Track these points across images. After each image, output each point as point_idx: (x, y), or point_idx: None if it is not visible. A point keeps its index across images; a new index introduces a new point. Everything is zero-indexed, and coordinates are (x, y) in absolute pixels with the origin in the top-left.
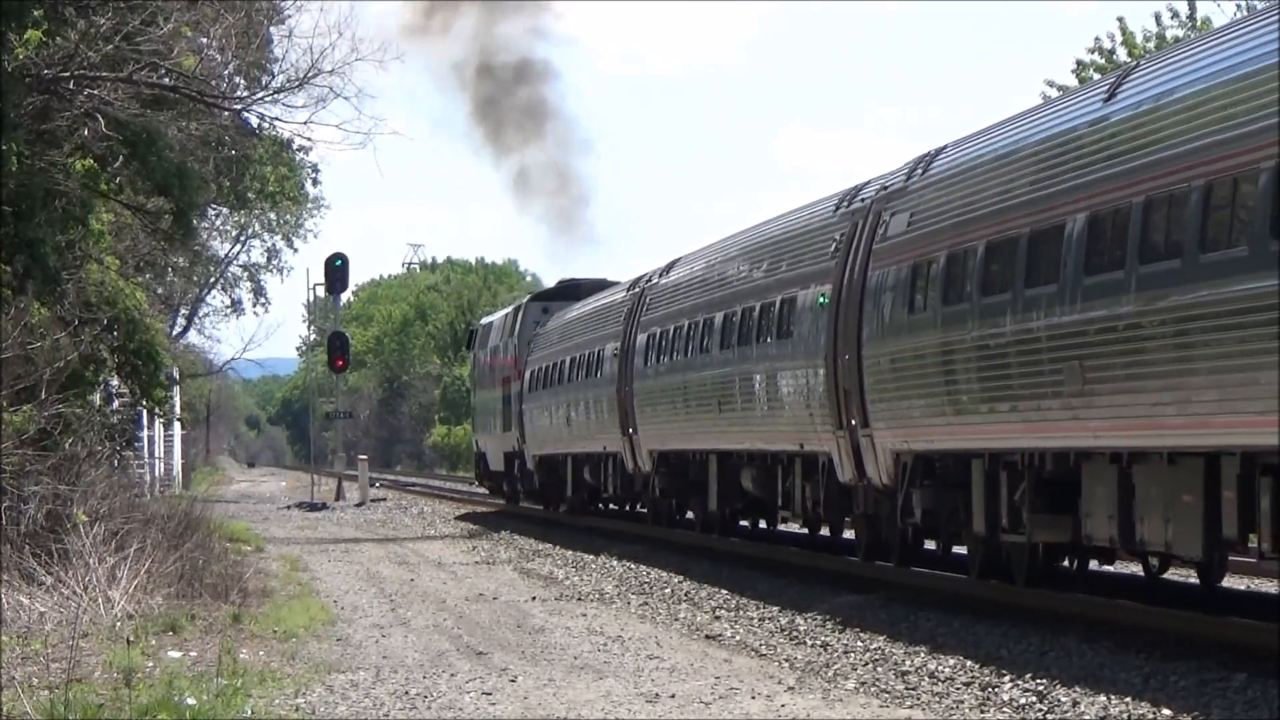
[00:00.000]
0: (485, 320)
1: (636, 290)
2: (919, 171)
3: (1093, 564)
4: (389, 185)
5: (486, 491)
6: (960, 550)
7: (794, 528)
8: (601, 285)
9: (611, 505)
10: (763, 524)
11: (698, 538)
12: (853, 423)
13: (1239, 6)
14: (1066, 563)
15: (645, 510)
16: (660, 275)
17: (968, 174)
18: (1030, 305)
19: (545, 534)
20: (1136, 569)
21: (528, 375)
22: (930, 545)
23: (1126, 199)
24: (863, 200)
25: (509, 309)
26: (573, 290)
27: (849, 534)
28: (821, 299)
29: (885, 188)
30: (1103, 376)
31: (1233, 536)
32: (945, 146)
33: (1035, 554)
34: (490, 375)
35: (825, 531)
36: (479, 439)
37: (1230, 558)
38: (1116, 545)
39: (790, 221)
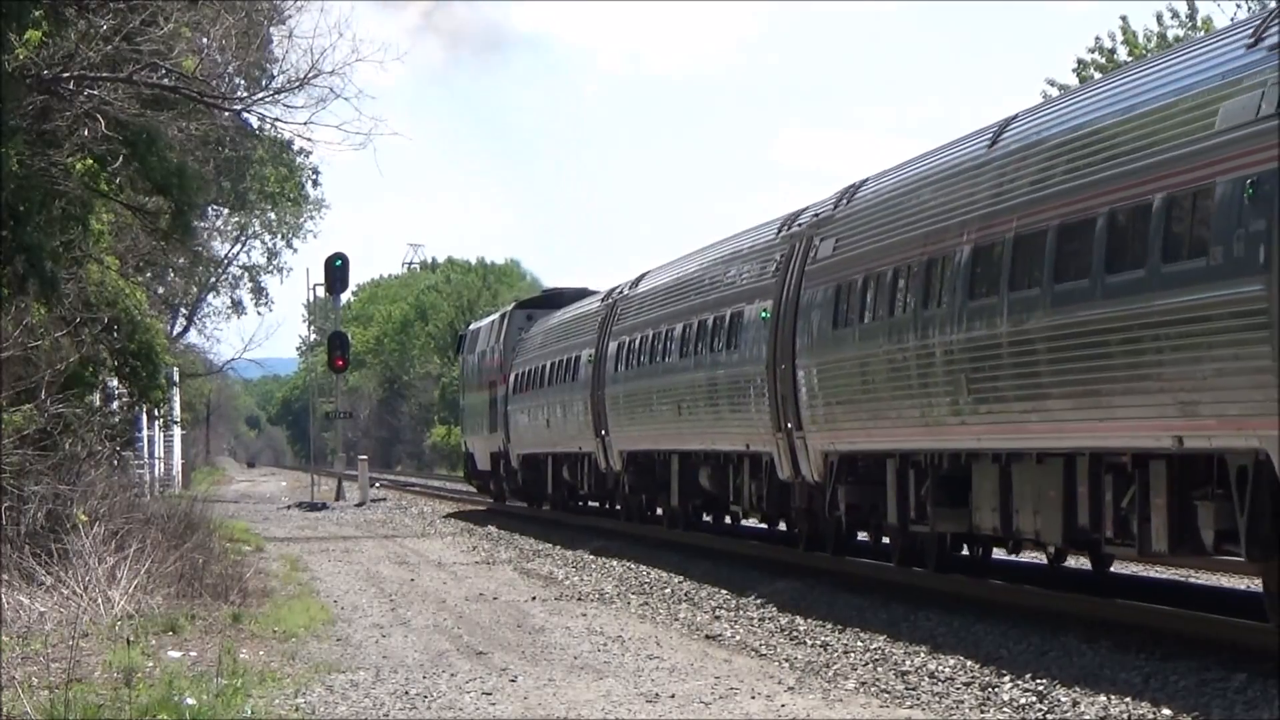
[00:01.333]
0: (473, 326)
1: (609, 301)
2: (844, 201)
3: (1036, 554)
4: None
5: (475, 490)
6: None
7: (753, 522)
8: (582, 294)
9: (592, 502)
10: (731, 519)
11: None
12: (789, 426)
13: (1239, 6)
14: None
15: (618, 507)
16: (630, 287)
17: (880, 206)
18: (927, 324)
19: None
20: (1041, 558)
21: (512, 379)
22: (864, 536)
23: (1001, 234)
24: (799, 225)
25: (495, 316)
26: (555, 299)
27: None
28: (763, 314)
29: (817, 215)
30: (983, 388)
31: (1085, 525)
32: (867, 179)
33: (943, 542)
34: (478, 378)
35: (783, 526)
36: (468, 440)
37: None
38: (999, 534)
39: (740, 242)
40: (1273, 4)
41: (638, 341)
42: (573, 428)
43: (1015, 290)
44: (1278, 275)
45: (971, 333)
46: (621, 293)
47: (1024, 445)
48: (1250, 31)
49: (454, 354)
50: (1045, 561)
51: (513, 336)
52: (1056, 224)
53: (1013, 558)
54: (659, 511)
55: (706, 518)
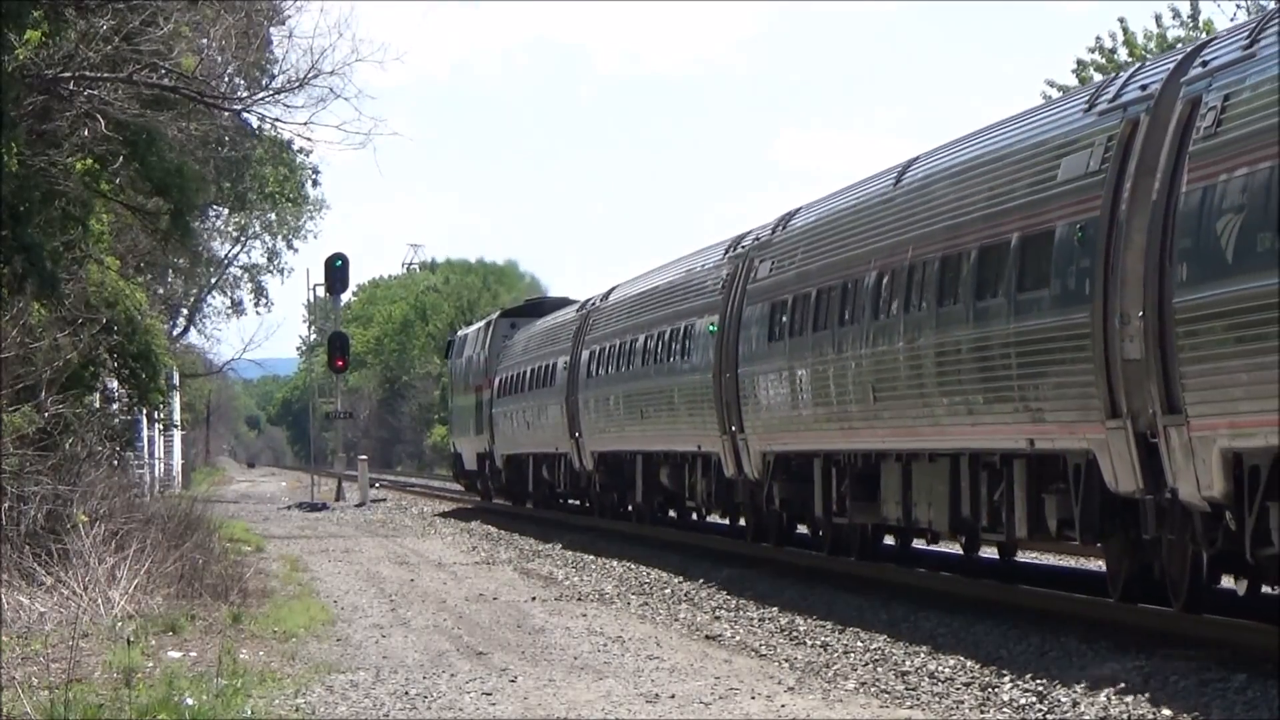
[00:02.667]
0: (461, 333)
1: (584, 311)
2: (780, 228)
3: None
4: (389, 185)
5: (463, 488)
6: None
7: (715, 518)
8: (563, 303)
9: (573, 500)
10: (696, 514)
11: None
12: (733, 428)
13: (1239, 6)
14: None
15: (591, 504)
16: (602, 299)
17: (808, 234)
18: (842, 340)
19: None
20: (995, 552)
21: (497, 383)
22: (805, 529)
23: (900, 262)
24: (743, 248)
25: (481, 324)
26: (538, 307)
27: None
28: (711, 327)
29: (757, 239)
30: (886, 396)
31: (967, 515)
32: (800, 208)
33: (864, 533)
34: (465, 382)
35: (743, 521)
36: (455, 441)
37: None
38: (902, 524)
39: (694, 261)
40: (1272, 4)
41: (607, 350)
42: (550, 430)
43: (909, 312)
44: (1100, 305)
45: (876, 348)
46: (594, 304)
47: (919, 446)
48: (1087, 98)
49: (444, 358)
50: (961, 552)
51: (497, 343)
52: (940, 255)
53: (932, 548)
54: (629, 508)
55: (672, 513)
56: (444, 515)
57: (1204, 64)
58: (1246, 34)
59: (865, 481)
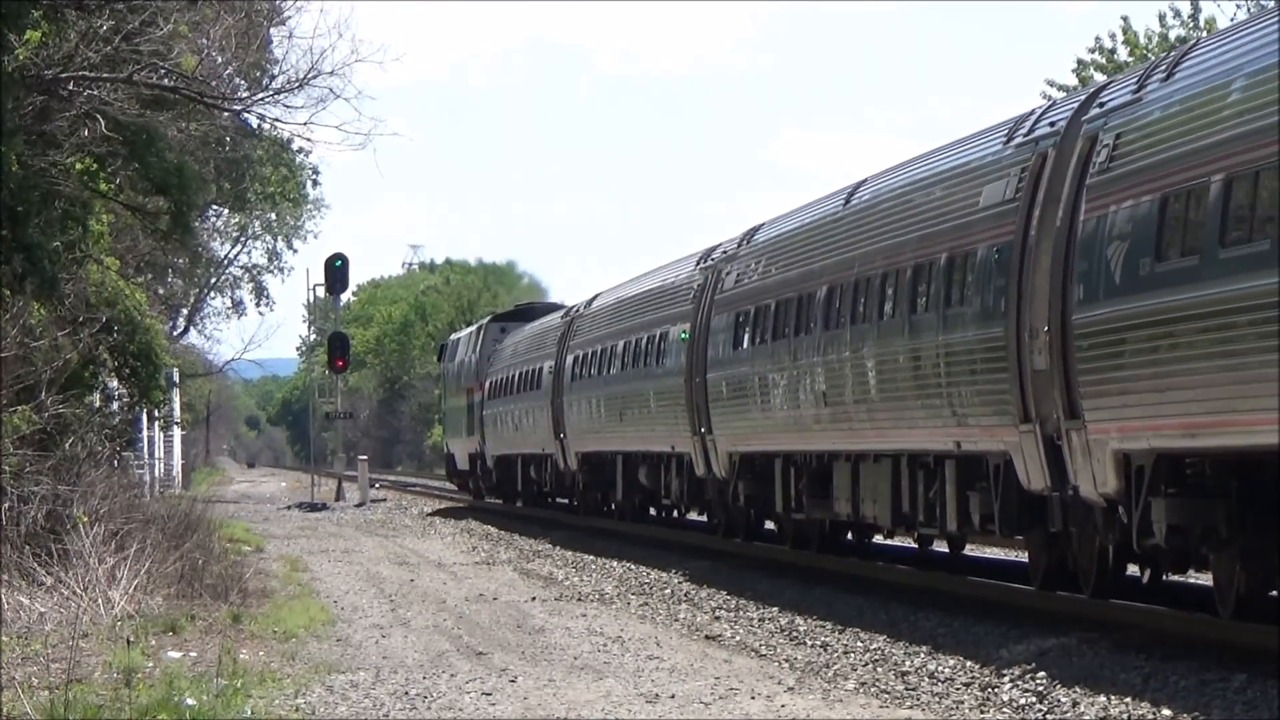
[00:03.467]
0: (454, 336)
1: (568, 318)
2: (745, 242)
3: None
4: (389, 185)
5: (456, 487)
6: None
7: (695, 515)
8: (552, 308)
9: (560, 499)
10: (677, 511)
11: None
12: (702, 430)
13: (1238, 6)
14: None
15: (576, 502)
16: (585, 306)
17: (768, 249)
18: (798, 349)
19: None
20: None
21: (488, 386)
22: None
23: (848, 277)
24: (712, 260)
25: (473, 328)
26: (527, 312)
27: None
28: (683, 334)
29: (725, 252)
30: (835, 401)
31: (908, 511)
32: (763, 224)
33: (822, 528)
34: (458, 385)
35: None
36: (448, 441)
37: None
38: (852, 519)
39: (670, 270)
40: (1272, 4)
41: (589, 355)
42: (537, 431)
43: (855, 324)
44: (1014, 321)
45: (827, 356)
46: (578, 310)
47: (865, 447)
48: (1006, 131)
49: (437, 361)
50: (915, 545)
51: (488, 347)
52: (882, 272)
53: (891, 542)
54: (612, 506)
55: (652, 511)
56: (444, 515)
57: (1101, 105)
58: (1136, 80)
59: (820, 480)
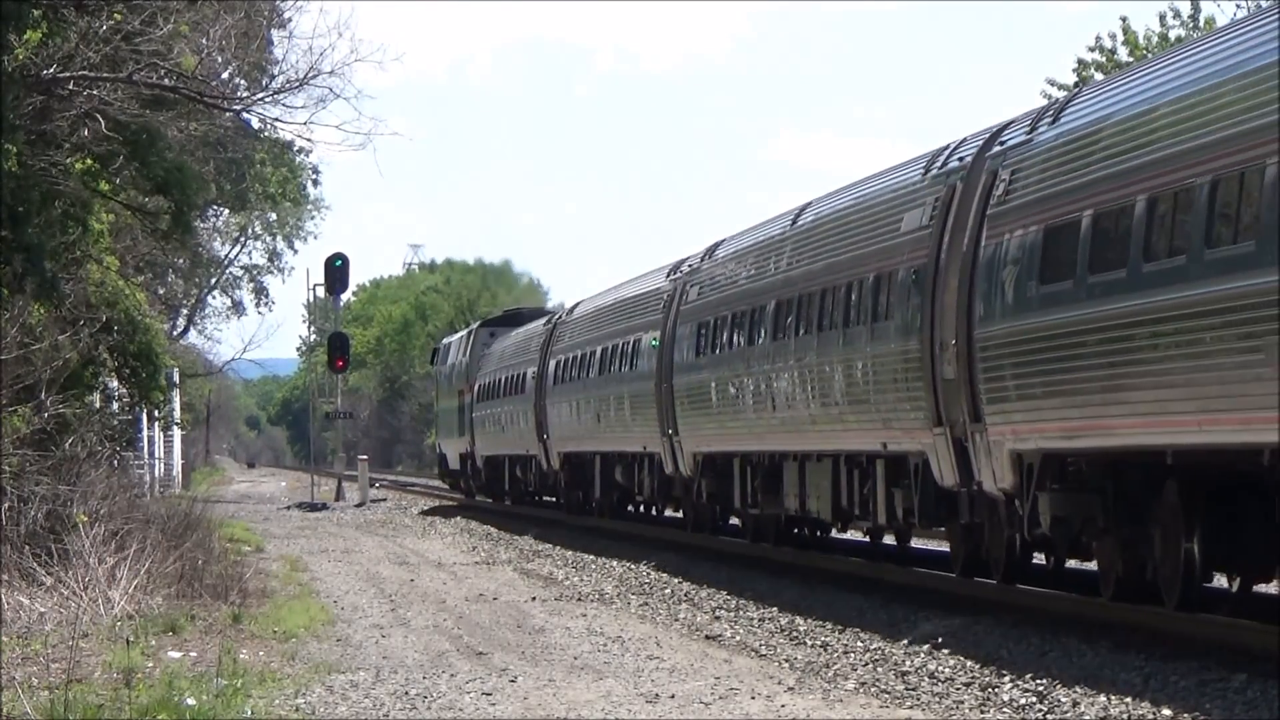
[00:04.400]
0: (446, 340)
1: (551, 324)
2: (708, 257)
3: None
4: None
5: (447, 486)
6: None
7: (670, 512)
8: (539, 313)
9: (547, 497)
10: (655, 509)
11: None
12: (670, 431)
13: (1239, 6)
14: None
15: (561, 500)
16: (567, 314)
17: (726, 265)
18: (750, 358)
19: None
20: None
21: (477, 388)
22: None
23: (792, 293)
24: (680, 272)
25: (464, 332)
26: (515, 317)
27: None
28: (653, 342)
29: (691, 266)
30: (783, 406)
31: (846, 506)
32: (724, 240)
33: (778, 522)
34: (449, 387)
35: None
36: (440, 442)
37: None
38: (800, 514)
39: (643, 281)
40: (1272, 3)
41: (570, 360)
42: (523, 433)
43: (798, 336)
44: (928, 335)
45: (775, 365)
46: (560, 318)
47: (810, 448)
48: (925, 163)
49: (430, 364)
50: (867, 539)
51: (477, 351)
52: (820, 289)
53: (845, 536)
54: (592, 503)
55: (630, 508)
56: (444, 515)
57: (1002, 143)
58: (1030, 122)
59: (772, 478)
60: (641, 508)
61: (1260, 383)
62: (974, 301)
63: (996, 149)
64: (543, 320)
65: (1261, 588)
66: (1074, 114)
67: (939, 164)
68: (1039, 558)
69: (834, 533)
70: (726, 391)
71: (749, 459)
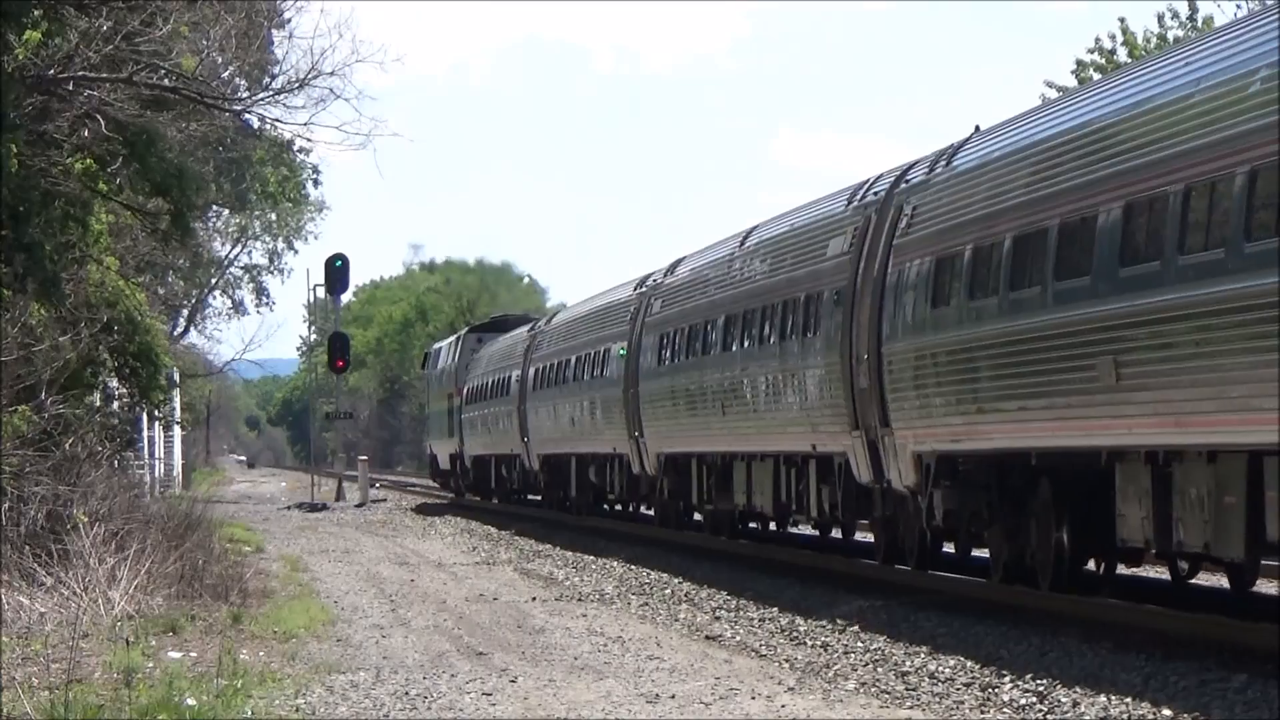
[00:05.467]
0: (436, 345)
1: (533, 332)
2: (670, 272)
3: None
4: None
5: (438, 486)
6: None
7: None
8: (525, 319)
9: (532, 495)
10: (630, 507)
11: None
12: (636, 434)
13: (1239, 6)
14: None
15: (541, 498)
16: (547, 322)
17: (685, 282)
18: (703, 366)
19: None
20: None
21: (465, 392)
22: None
23: (739, 309)
24: (646, 286)
25: (453, 339)
26: (502, 324)
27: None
28: (621, 351)
29: (655, 281)
30: (730, 411)
31: (785, 501)
32: (685, 257)
33: (732, 517)
34: (439, 390)
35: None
36: (431, 443)
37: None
38: (746, 509)
39: (612, 293)
40: (1272, 2)
41: (549, 366)
42: (507, 434)
43: (743, 347)
44: (848, 350)
45: (722, 373)
46: (540, 326)
47: (753, 449)
48: (848, 195)
49: (421, 368)
50: (815, 532)
51: (466, 356)
52: (761, 306)
53: (794, 530)
54: (569, 501)
55: (606, 506)
56: (444, 516)
57: (907, 181)
58: (928, 165)
59: (723, 476)
60: (611, 505)
61: (1098, 394)
62: (882, 321)
63: (903, 186)
64: (526, 327)
65: (1262, 587)
66: (962, 158)
67: (859, 197)
68: (949, 547)
69: (789, 527)
70: (684, 397)
71: (704, 459)
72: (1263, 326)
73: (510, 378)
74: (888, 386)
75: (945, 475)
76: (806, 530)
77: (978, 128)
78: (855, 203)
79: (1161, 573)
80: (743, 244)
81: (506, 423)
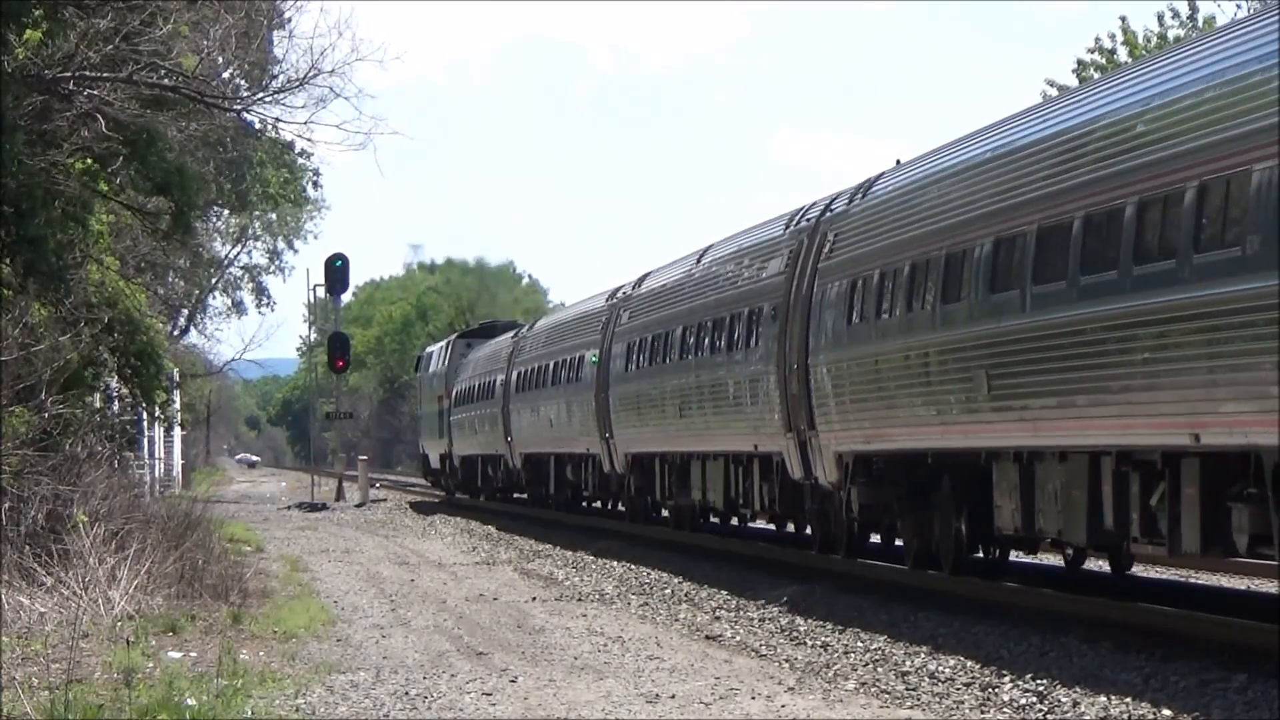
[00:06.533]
0: (428, 350)
1: (516, 338)
2: (638, 285)
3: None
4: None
5: (429, 484)
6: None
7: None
8: (511, 326)
9: (517, 494)
10: (605, 504)
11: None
12: (607, 435)
13: (1239, 6)
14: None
15: (524, 495)
16: (528, 330)
17: (649, 296)
18: (663, 374)
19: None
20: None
21: (454, 394)
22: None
23: (693, 321)
24: (615, 299)
25: (443, 343)
26: (489, 330)
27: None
28: (593, 358)
29: (625, 294)
30: (686, 414)
31: (735, 498)
32: (651, 272)
33: (693, 511)
34: (430, 393)
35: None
36: (423, 443)
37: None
38: (702, 504)
39: (586, 303)
40: (1273, 1)
41: (529, 371)
42: (492, 435)
43: (696, 355)
44: (781, 360)
45: (680, 380)
46: (522, 334)
47: (707, 449)
48: (788, 219)
49: (414, 371)
50: (773, 527)
51: (455, 360)
52: (711, 319)
53: (752, 525)
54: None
55: (584, 504)
56: (444, 515)
57: (832, 210)
58: (849, 196)
59: (683, 474)
60: (587, 502)
61: (976, 403)
62: (809, 335)
63: (828, 214)
64: (510, 334)
65: (1262, 587)
66: (875, 191)
67: (794, 222)
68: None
69: (751, 522)
70: (648, 401)
71: (666, 458)
72: (1096, 346)
73: (495, 382)
74: (814, 393)
75: (861, 473)
76: (762, 524)
77: (898, 161)
78: (791, 228)
79: (1057, 560)
80: (699, 261)
81: (492, 424)
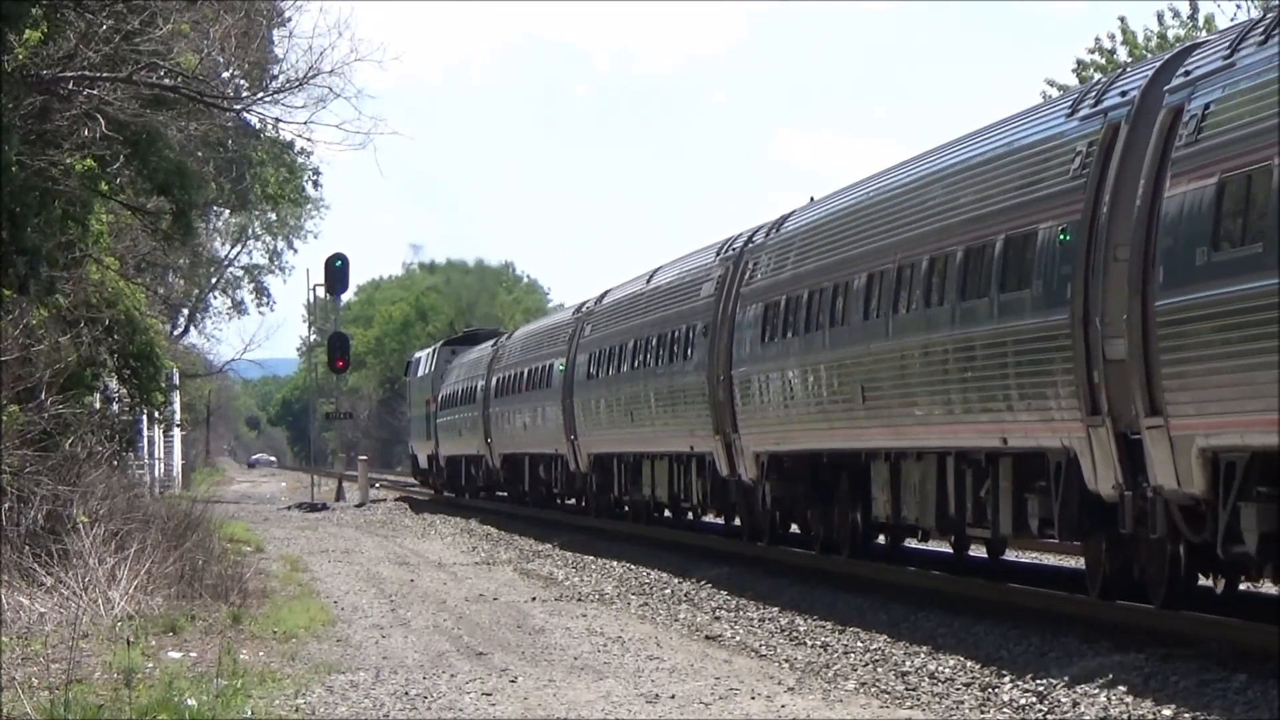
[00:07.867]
0: (416, 355)
1: (496, 347)
2: (598, 302)
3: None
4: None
5: (419, 483)
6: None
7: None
8: (495, 334)
9: (499, 492)
10: (577, 500)
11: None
12: (572, 436)
13: (1239, 7)
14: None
15: (504, 494)
16: (507, 339)
17: (608, 311)
18: (616, 381)
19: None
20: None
21: (440, 398)
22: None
23: (644, 336)
24: (580, 313)
25: (430, 349)
26: (474, 337)
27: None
28: (560, 367)
29: (589, 309)
30: (639, 419)
31: (678, 493)
32: (610, 289)
33: (647, 506)
34: (419, 397)
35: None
36: (412, 444)
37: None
38: (650, 499)
39: (556, 316)
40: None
41: (507, 377)
42: (473, 437)
43: (633, 369)
44: (713, 372)
45: (631, 388)
46: (501, 342)
47: (653, 450)
48: (717, 248)
49: (404, 375)
50: (724, 521)
51: (441, 366)
52: (657, 334)
53: (712, 520)
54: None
55: (558, 500)
56: (444, 516)
57: (753, 241)
58: (766, 229)
59: (635, 472)
60: (557, 499)
61: (855, 410)
62: (733, 350)
63: (750, 245)
64: (491, 342)
65: (1261, 587)
66: (786, 227)
67: (724, 250)
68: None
69: (703, 515)
70: (606, 406)
71: (622, 458)
72: (938, 364)
73: (477, 387)
74: (736, 400)
75: (774, 471)
76: (711, 518)
77: (812, 198)
78: (720, 255)
79: (944, 547)
80: (648, 282)
81: (473, 427)
